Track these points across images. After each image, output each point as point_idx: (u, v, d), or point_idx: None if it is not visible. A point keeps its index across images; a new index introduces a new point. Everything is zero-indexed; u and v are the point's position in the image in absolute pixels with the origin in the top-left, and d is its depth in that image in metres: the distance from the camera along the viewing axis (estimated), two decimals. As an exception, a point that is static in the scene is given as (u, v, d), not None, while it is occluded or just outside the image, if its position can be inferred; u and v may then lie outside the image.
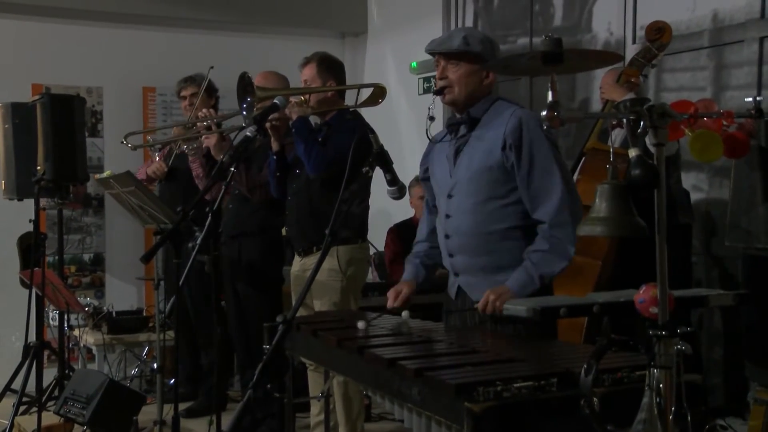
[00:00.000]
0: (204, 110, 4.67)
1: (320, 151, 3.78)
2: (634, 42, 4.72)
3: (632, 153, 1.69)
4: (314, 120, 4.05)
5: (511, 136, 2.72)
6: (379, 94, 4.10)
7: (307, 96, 3.95)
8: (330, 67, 4.02)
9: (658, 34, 3.71)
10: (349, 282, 3.88)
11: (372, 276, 5.88)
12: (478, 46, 2.87)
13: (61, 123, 4.85)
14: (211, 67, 4.96)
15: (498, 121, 2.80)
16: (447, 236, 2.91)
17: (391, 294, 3.03)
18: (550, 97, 1.73)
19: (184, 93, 5.24)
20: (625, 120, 1.73)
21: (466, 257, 2.85)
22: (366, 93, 4.13)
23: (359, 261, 3.95)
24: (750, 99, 1.70)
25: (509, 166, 2.74)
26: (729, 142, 1.64)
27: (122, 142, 4.87)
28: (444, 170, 2.95)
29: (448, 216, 2.89)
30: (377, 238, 5.98)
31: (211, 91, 5.21)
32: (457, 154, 2.90)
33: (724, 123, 1.65)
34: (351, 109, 4.04)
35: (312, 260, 3.89)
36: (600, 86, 4.30)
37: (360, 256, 3.96)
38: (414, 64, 6.50)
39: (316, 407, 4.00)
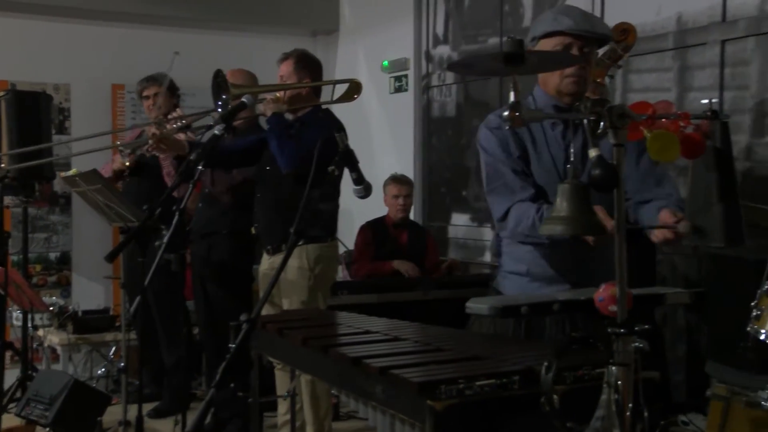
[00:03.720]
0: (177, 111, 4.64)
1: (293, 147, 3.78)
2: (601, 43, 4.76)
3: (592, 153, 1.71)
4: (288, 116, 4.05)
5: None
6: (354, 89, 4.09)
7: (282, 92, 3.95)
8: (307, 65, 4.02)
9: (623, 35, 3.75)
10: (317, 280, 3.88)
11: (342, 274, 5.88)
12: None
13: (27, 120, 4.81)
14: (176, 53, 4.85)
15: None
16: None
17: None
18: (512, 98, 1.74)
19: (146, 93, 5.18)
20: (585, 121, 1.75)
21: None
22: (341, 90, 4.14)
23: (328, 259, 3.96)
24: (706, 101, 1.73)
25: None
26: (685, 142, 1.67)
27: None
28: (564, 167, 2.73)
29: None
30: (346, 236, 5.99)
31: (174, 90, 5.16)
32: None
33: (681, 124, 1.68)
34: (323, 107, 4.04)
35: (280, 258, 3.89)
36: None
37: (329, 255, 3.97)
38: (385, 63, 6.52)
39: (283, 406, 4.00)
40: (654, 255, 4.11)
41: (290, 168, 3.80)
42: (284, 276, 3.81)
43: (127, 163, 5.07)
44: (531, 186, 2.63)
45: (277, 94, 3.94)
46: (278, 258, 3.95)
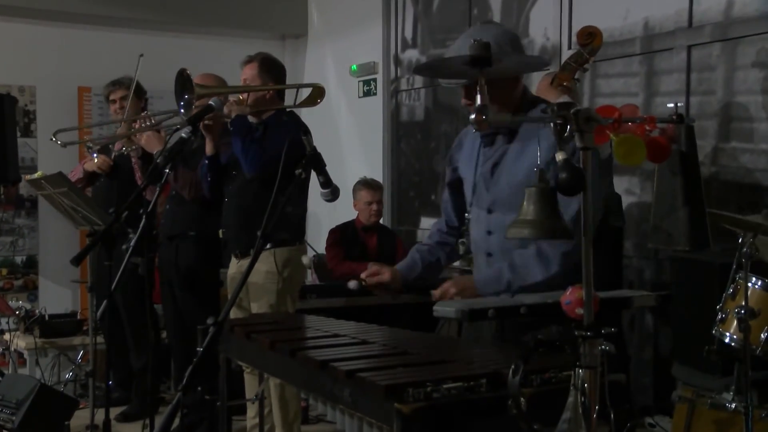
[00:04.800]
0: (144, 113, 4.60)
1: (257, 150, 3.77)
2: (569, 47, 4.81)
3: (559, 156, 1.72)
4: (251, 120, 4.04)
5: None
6: (317, 94, 4.07)
7: (245, 95, 3.93)
8: (270, 69, 4.00)
9: (589, 38, 3.76)
10: (285, 284, 3.87)
11: (312, 278, 5.87)
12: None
13: (-9, 122, 4.75)
14: (141, 55, 4.78)
15: (535, 132, 2.53)
16: (489, 254, 2.68)
17: (371, 269, 2.81)
18: (478, 101, 1.75)
19: (113, 96, 5.11)
20: (552, 124, 1.75)
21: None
22: (305, 94, 4.12)
23: (296, 263, 3.95)
24: (671, 105, 1.74)
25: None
26: (651, 146, 1.69)
27: (51, 139, 4.75)
28: (479, 181, 2.70)
29: (489, 232, 2.67)
30: (315, 240, 5.98)
31: (141, 93, 5.09)
32: (494, 166, 2.64)
33: (647, 128, 1.69)
34: (288, 110, 4.03)
35: (248, 262, 3.86)
36: (536, 92, 4.35)
37: (297, 258, 3.96)
38: (354, 67, 6.52)
39: (252, 410, 3.98)
40: (620, 259, 4.15)
41: (254, 172, 3.79)
42: (253, 280, 3.79)
43: (111, 162, 4.96)
44: (449, 215, 2.91)
45: (240, 97, 3.92)
46: (245, 261, 3.92)
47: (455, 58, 1.72)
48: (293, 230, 3.92)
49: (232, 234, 4.06)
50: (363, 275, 2.78)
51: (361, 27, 6.50)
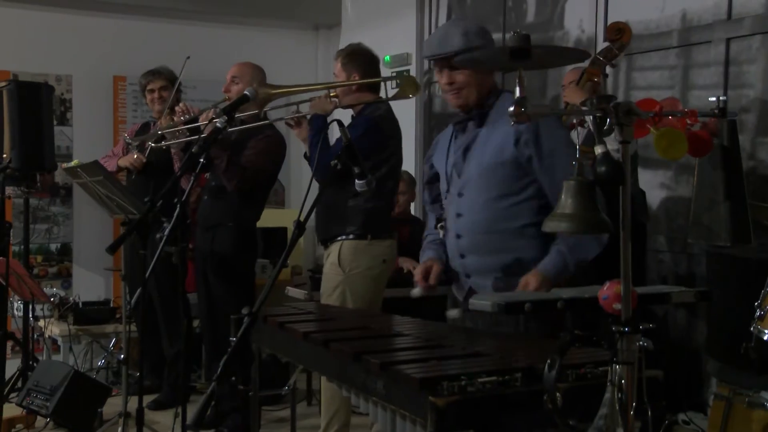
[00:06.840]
0: (181, 104, 4.60)
1: (320, 157, 3.58)
2: (605, 40, 4.75)
3: (598, 150, 1.70)
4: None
5: (526, 130, 2.61)
6: (408, 87, 3.97)
7: (330, 91, 3.92)
8: (352, 60, 3.95)
9: (618, 34, 3.73)
10: (347, 278, 3.81)
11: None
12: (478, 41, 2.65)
13: (28, 111, 4.80)
14: (188, 57, 4.81)
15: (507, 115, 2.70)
16: (458, 236, 2.78)
17: (419, 273, 2.83)
18: (517, 93, 1.73)
19: (151, 86, 5.14)
20: (592, 117, 1.74)
21: (477, 257, 2.74)
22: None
23: (365, 257, 3.84)
24: (714, 98, 1.71)
25: (524, 161, 2.64)
26: (693, 140, 1.66)
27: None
28: (451, 168, 2.85)
29: (459, 215, 2.78)
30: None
31: (179, 90, 5.12)
32: (466, 151, 2.79)
33: (688, 122, 1.67)
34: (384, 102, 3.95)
35: (328, 251, 3.89)
36: (562, 85, 4.32)
37: (366, 253, 3.85)
38: (387, 57, 6.49)
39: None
40: (644, 255, 4.09)
41: (319, 178, 3.45)
42: (324, 270, 3.89)
43: (144, 160, 5.00)
44: (437, 210, 3.04)
45: (332, 93, 3.90)
46: (327, 251, 3.92)
47: (496, 49, 1.71)
48: (361, 223, 3.83)
49: (316, 224, 4.06)
50: (422, 286, 2.83)
51: (394, 17, 6.47)
